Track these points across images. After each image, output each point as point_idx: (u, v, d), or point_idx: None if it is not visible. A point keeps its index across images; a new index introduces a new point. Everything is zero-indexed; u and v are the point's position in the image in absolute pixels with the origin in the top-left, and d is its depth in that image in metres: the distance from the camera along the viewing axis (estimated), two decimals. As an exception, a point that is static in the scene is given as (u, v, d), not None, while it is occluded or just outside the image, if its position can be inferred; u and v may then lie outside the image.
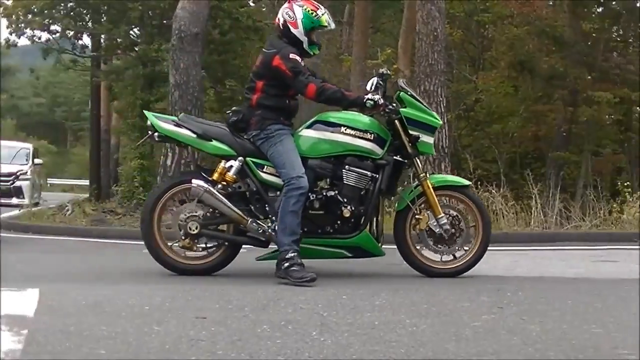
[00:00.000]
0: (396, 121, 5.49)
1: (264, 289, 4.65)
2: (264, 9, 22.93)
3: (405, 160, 5.54)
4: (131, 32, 18.40)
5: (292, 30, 5.50)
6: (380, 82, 5.53)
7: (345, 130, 5.43)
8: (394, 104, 5.50)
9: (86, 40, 20.84)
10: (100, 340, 3.11)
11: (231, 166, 5.37)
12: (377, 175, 5.41)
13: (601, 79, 16.14)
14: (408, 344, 3.13)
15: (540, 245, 8.53)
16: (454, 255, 5.56)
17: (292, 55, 5.40)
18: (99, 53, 20.44)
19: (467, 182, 5.88)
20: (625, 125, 17.30)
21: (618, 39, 17.92)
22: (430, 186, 5.51)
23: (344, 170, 5.39)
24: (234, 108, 5.69)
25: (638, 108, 16.85)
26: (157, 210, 5.42)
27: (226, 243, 5.50)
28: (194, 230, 5.32)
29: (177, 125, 5.50)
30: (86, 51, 21.14)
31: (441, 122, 5.80)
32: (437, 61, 11.39)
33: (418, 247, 5.58)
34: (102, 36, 19.75)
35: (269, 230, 5.30)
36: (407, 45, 17.20)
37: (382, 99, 5.39)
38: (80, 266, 6.28)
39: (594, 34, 17.07)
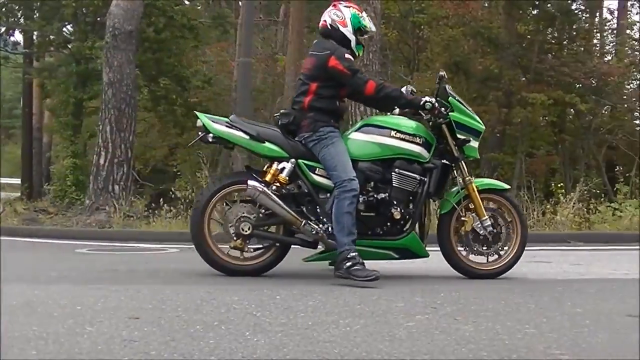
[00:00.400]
0: (444, 125, 5.62)
1: (197, 289, 4.62)
2: (199, 7, 22.81)
3: (452, 164, 5.67)
4: (64, 29, 18.23)
5: (342, 29, 5.61)
6: (438, 85, 5.74)
7: (395, 134, 5.53)
8: (444, 108, 5.61)
9: (18, 36, 20.68)
10: (31, 341, 3.05)
11: (284, 168, 5.41)
12: (425, 178, 5.54)
13: (536, 80, 16.41)
14: (342, 344, 3.12)
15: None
16: (498, 254, 5.74)
17: (347, 55, 5.50)
18: (32, 50, 20.18)
19: (507, 186, 6.06)
20: (559, 127, 17.61)
21: (553, 41, 18.23)
22: (476, 189, 5.68)
23: (393, 173, 5.49)
24: (282, 111, 5.70)
25: (572, 110, 17.15)
26: (208, 211, 5.42)
27: (277, 244, 5.53)
28: (246, 231, 5.35)
29: (229, 126, 5.48)
30: (18, 48, 20.87)
31: (484, 127, 5.87)
32: (372, 61, 11.50)
33: (460, 249, 5.71)
34: (35, 33, 19.49)
35: (321, 232, 5.35)
36: None
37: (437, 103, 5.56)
38: (11, 266, 6.14)
39: (528, 36, 17.36)
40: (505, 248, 5.74)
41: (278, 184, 5.36)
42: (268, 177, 5.37)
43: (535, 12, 18.24)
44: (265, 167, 5.50)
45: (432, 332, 3.40)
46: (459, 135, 5.62)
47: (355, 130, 5.63)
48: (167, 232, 9.84)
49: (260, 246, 5.50)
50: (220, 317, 3.68)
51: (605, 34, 21.20)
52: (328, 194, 5.40)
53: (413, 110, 5.71)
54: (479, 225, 5.65)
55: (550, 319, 3.86)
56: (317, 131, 5.44)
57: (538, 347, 3.14)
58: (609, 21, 21.87)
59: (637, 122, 19.79)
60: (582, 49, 18.41)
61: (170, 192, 13.26)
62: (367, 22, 5.73)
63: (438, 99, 5.66)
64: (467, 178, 5.67)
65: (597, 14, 21.64)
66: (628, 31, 20.08)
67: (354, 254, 5.18)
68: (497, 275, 5.68)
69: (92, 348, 2.97)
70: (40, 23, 17.44)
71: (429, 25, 18.13)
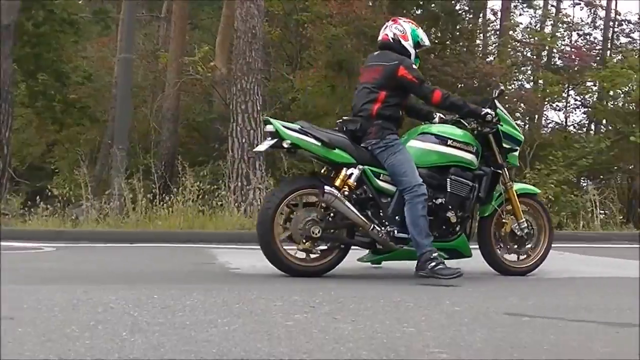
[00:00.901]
0: (491, 135, 6.06)
1: (73, 289, 4.49)
2: (80, 2, 22.43)
3: (500, 171, 6.14)
4: None
5: (403, 42, 5.98)
6: (493, 97, 6.12)
7: (452, 142, 5.91)
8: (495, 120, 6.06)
9: None
10: None
11: (352, 174, 5.65)
12: (475, 184, 5.96)
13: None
14: (220, 343, 3.09)
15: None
16: (527, 254, 6.31)
17: (414, 65, 5.88)
18: None
19: (538, 191, 6.90)
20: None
21: (436, 41, 18.58)
22: (515, 194, 6.21)
23: (448, 180, 5.85)
24: (345, 118, 5.99)
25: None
26: (278, 213, 5.59)
27: (342, 245, 5.75)
28: (316, 234, 5.56)
29: (302, 132, 5.66)
30: None
31: (523, 138, 6.60)
32: (255, 59, 11.57)
33: (497, 248, 6.22)
34: None
35: (384, 234, 5.64)
36: (225, 42, 17.40)
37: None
38: None
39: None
40: (536, 248, 6.34)
41: (347, 189, 5.61)
42: (338, 183, 5.62)
43: (419, 12, 18.58)
44: (329, 172, 5.83)
45: (311, 331, 3.39)
46: (504, 145, 6.14)
47: (414, 138, 5.97)
48: (44, 231, 9.67)
49: (325, 248, 5.70)
50: (97, 316, 3.59)
51: (488, 35, 21.79)
52: (389, 199, 5.73)
53: (468, 118, 6.11)
54: (517, 227, 6.20)
55: (429, 317, 3.90)
56: (384, 138, 5.71)
57: (417, 346, 3.15)
58: (492, 22, 22.54)
59: (519, 122, 20.47)
60: (465, 49, 18.87)
61: (47, 190, 12.94)
62: (423, 37, 6.13)
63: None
64: (508, 183, 6.20)
65: (481, 14, 22.26)
66: (511, 32, 20.70)
67: (435, 254, 5.54)
68: (527, 273, 6.23)
69: None
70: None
71: (312, 24, 18.19)
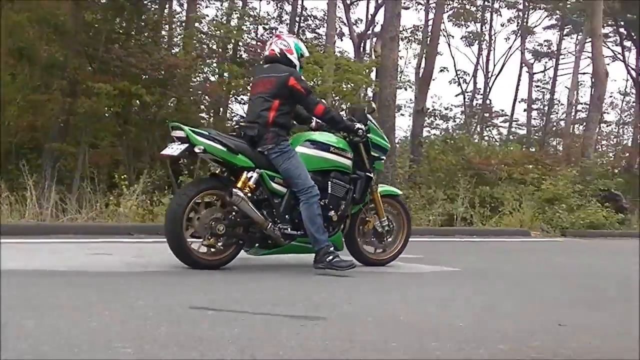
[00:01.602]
0: (361, 144, 7.10)
1: None
2: None
3: (372, 175, 7.22)
4: None
5: (289, 55, 6.81)
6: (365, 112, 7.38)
7: (333, 149, 6.94)
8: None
9: None
10: None
11: (251, 177, 6.39)
12: (351, 187, 7.02)
13: (102, 70, 16.41)
14: None
15: (36, 238, 8.41)
16: (386, 248, 7.53)
17: (302, 77, 6.76)
18: None
19: (399, 192, 8.10)
20: (124, 118, 17.78)
21: (120, 31, 18.34)
22: (379, 195, 7.37)
23: (330, 182, 6.86)
24: (242, 124, 6.67)
25: (137, 101, 17.40)
26: (186, 212, 6.17)
27: (240, 241, 6.48)
28: (221, 231, 6.27)
29: (209, 138, 6.29)
30: None
31: (390, 146, 7.77)
32: None
33: (360, 242, 7.39)
34: None
35: (278, 232, 6.52)
36: None
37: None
38: None
39: (96, 25, 17.25)
40: (394, 242, 7.56)
41: (248, 191, 6.33)
42: (240, 184, 6.31)
43: (104, 1, 18.24)
44: (225, 174, 6.61)
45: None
46: (373, 153, 7.21)
47: (300, 144, 6.81)
48: None
49: (227, 243, 6.39)
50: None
51: (174, 26, 21.83)
52: (280, 199, 6.57)
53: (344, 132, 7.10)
54: (379, 224, 7.38)
55: (113, 312, 3.94)
56: (279, 144, 6.51)
57: (100, 341, 3.21)
58: (178, 13, 22.60)
59: (203, 114, 20.70)
60: (150, 40, 18.77)
61: None
62: (304, 49, 7.06)
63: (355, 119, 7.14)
64: (373, 186, 7.28)
65: (167, 5, 22.24)
66: (197, 24, 20.86)
67: (332, 248, 6.55)
68: (386, 263, 7.45)
69: None
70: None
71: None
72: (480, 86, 38.79)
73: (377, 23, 29.47)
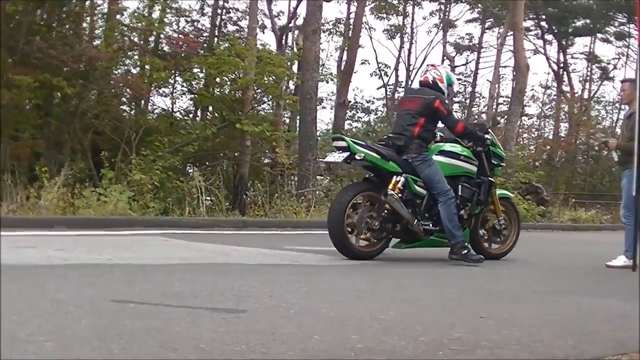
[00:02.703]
0: (483, 153, 8.40)
1: None
2: None
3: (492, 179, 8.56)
4: None
5: (439, 84, 8.13)
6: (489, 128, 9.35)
7: (463, 158, 8.25)
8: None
9: None
10: None
11: (399, 180, 7.61)
12: (477, 190, 8.27)
13: (22, 62, 16.10)
14: None
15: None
16: (502, 242, 8.85)
17: (446, 101, 8.17)
18: None
19: (511, 195, 10.11)
20: (45, 110, 17.51)
21: (41, 23, 18.00)
22: (497, 197, 8.73)
23: (460, 186, 8.10)
24: (391, 135, 8.08)
25: (58, 93, 17.15)
26: (347, 211, 7.41)
27: (390, 236, 7.82)
28: (375, 227, 7.57)
29: (366, 147, 7.63)
30: None
31: (505, 155, 9.38)
32: None
33: (481, 238, 8.67)
34: None
35: (420, 227, 7.79)
36: None
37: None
38: None
39: (17, 17, 16.91)
40: (507, 238, 8.87)
41: (398, 192, 7.57)
42: (390, 187, 7.53)
43: None
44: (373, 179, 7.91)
45: None
46: (493, 161, 8.52)
47: (435, 154, 8.02)
48: None
49: (380, 237, 7.71)
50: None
51: (95, 18, 21.50)
52: (421, 200, 7.80)
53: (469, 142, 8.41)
54: (497, 222, 8.71)
55: (34, 305, 3.95)
56: (422, 154, 7.81)
57: (21, 335, 3.19)
58: (100, 5, 22.25)
59: (124, 107, 20.49)
60: (72, 32, 18.47)
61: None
62: (454, 79, 8.64)
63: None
64: (493, 189, 8.62)
65: None
66: (118, 16, 20.60)
67: (466, 243, 7.94)
68: (501, 257, 8.71)
69: None
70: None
71: None
72: (402, 79, 39.12)
73: (299, 16, 29.49)
